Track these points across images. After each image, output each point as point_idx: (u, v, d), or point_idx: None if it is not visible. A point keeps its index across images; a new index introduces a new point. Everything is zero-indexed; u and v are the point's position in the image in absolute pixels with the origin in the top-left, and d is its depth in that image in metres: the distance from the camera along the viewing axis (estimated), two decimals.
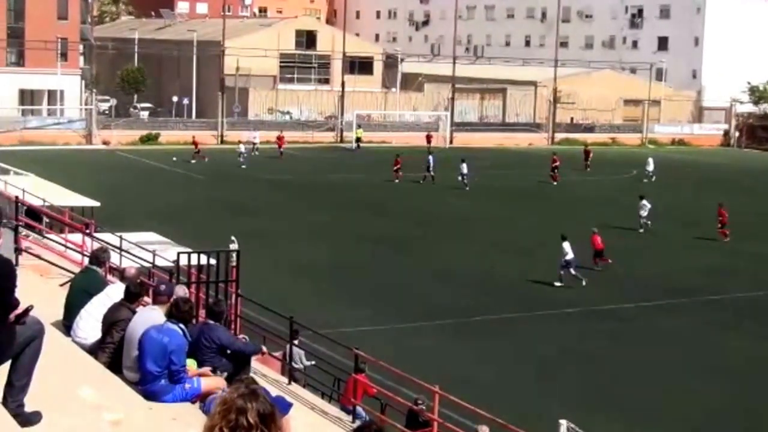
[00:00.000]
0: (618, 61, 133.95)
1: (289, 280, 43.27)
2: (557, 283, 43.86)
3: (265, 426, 5.83)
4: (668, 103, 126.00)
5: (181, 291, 15.77)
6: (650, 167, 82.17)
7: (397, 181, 73.88)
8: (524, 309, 40.36)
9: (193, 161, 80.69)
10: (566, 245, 43.73)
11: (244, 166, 79.31)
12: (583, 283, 43.63)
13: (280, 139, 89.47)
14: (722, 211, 56.46)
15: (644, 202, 58.24)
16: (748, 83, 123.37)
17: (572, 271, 43.83)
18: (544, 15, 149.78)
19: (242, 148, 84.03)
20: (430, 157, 75.84)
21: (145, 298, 14.60)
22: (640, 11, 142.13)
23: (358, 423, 17.43)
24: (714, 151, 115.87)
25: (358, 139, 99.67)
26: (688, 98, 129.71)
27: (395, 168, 74.65)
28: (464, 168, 72.70)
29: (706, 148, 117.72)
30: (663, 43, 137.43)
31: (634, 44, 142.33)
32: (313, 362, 25.48)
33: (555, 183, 76.61)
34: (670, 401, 30.51)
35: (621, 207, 63.83)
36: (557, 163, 77.92)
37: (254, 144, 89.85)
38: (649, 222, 57.80)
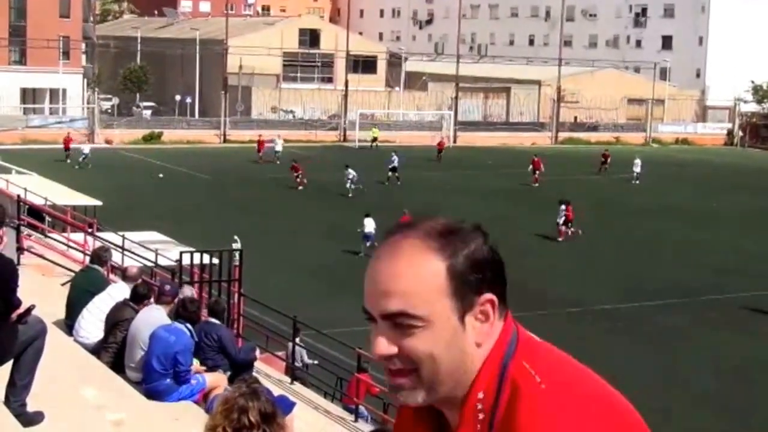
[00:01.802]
0: (622, 60, 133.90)
1: (292, 279, 43.25)
2: (361, 254, 48.23)
3: (266, 425, 5.82)
4: (672, 102, 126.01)
5: (188, 291, 15.74)
6: (637, 168, 79.94)
7: (301, 188, 68.10)
8: (526, 308, 40.28)
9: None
10: (368, 221, 49.33)
11: (77, 167, 73.56)
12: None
13: (260, 143, 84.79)
14: (569, 208, 54.38)
15: (562, 207, 54.77)
16: (752, 82, 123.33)
17: (368, 244, 48.33)
18: (548, 14, 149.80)
19: (86, 149, 77.18)
20: (395, 157, 73.30)
21: None
22: (644, 10, 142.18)
23: (369, 427, 17.47)
24: (717, 150, 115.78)
25: (374, 139, 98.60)
26: (692, 97, 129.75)
27: (295, 175, 69.03)
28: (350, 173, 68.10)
29: (709, 147, 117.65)
30: (667, 42, 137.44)
31: (638, 43, 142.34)
32: (316, 361, 25.45)
33: (536, 185, 74.11)
34: (677, 401, 30.46)
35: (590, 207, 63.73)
36: (539, 166, 75.45)
37: (276, 151, 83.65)
38: (568, 230, 54.56)
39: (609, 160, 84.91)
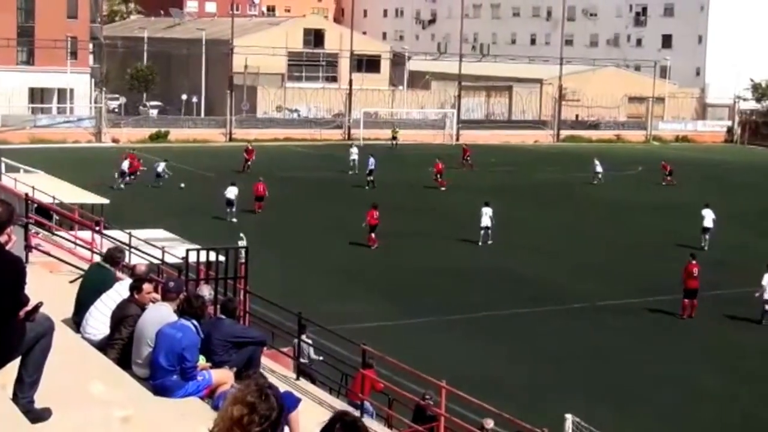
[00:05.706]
0: (622, 59, 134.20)
1: (298, 276, 43.38)
2: (233, 220, 54.80)
3: (274, 422, 5.94)
4: (672, 100, 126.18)
5: (206, 290, 15.85)
6: (598, 168, 77.22)
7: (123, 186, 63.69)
8: (531, 304, 40.45)
9: None
10: (230, 189, 56.21)
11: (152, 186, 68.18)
12: (234, 220, 54.71)
13: (248, 152, 78.57)
14: (373, 212, 50.73)
15: (486, 209, 52.25)
16: (752, 80, 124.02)
17: (231, 209, 55.85)
18: (549, 13, 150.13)
19: (160, 166, 69.76)
20: (372, 159, 71.57)
21: (154, 294, 14.64)
22: (645, 9, 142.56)
23: (375, 423, 17.56)
24: (717, 147, 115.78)
25: (394, 138, 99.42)
26: (692, 95, 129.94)
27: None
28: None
29: (709, 144, 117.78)
30: (667, 41, 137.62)
31: (639, 42, 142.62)
32: (321, 357, 25.58)
33: (443, 189, 70.23)
34: (682, 398, 30.55)
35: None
36: (440, 168, 71.76)
37: (352, 160, 79.00)
38: (489, 236, 52.04)
39: (670, 171, 79.41)
